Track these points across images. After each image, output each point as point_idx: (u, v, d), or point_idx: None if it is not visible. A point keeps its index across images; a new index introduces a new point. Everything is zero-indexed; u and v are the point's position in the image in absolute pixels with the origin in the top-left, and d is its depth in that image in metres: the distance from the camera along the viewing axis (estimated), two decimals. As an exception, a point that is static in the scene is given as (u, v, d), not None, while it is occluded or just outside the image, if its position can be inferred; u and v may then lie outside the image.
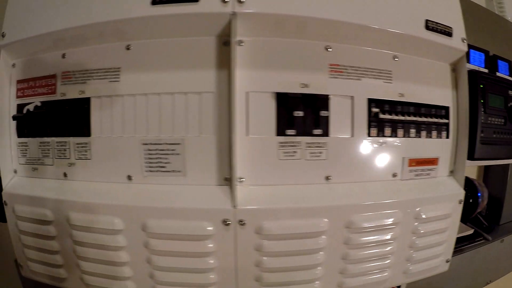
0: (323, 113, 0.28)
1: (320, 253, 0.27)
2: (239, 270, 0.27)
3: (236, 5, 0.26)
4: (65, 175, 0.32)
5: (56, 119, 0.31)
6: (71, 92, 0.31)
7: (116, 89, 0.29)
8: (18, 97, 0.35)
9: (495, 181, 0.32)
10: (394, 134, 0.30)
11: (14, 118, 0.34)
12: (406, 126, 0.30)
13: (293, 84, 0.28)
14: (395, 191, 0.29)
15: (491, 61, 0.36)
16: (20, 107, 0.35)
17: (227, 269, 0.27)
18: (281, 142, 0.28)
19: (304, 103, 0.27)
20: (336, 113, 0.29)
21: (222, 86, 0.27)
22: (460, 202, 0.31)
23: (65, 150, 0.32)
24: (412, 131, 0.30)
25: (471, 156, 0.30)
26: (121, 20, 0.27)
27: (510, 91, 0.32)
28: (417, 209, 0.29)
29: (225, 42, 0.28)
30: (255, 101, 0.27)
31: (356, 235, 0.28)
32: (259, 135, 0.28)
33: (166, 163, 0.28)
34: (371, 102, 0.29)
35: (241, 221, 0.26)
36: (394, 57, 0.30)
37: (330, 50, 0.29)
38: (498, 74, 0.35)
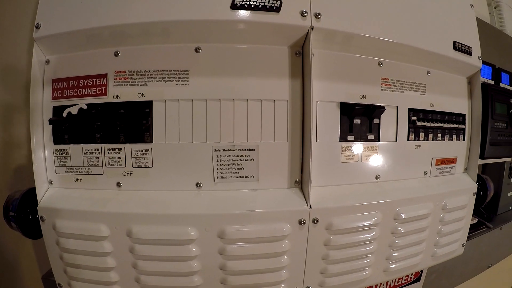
0: (375, 121, 0.35)
1: (373, 243, 0.34)
2: (307, 265, 0.32)
3: (313, 19, 0.30)
4: (118, 185, 0.31)
5: (108, 123, 0.31)
6: (127, 94, 0.31)
7: (184, 93, 0.30)
8: (54, 98, 0.32)
9: (491, 176, 0.44)
10: (426, 138, 0.38)
11: (51, 122, 0.31)
12: (434, 131, 0.38)
13: (354, 95, 0.33)
14: (427, 186, 0.37)
15: (496, 74, 0.47)
16: (57, 109, 0.33)
17: (297, 265, 0.31)
18: (344, 147, 0.33)
19: (363, 112, 0.33)
20: (385, 121, 0.35)
21: (295, 95, 0.31)
22: (473, 194, 0.40)
23: (119, 158, 0.31)
24: (439, 135, 0.39)
25: (481, 156, 0.40)
26: (194, 21, 0.28)
27: (511, 99, 0.44)
28: (443, 201, 0.38)
29: (296, 52, 0.32)
30: (323, 109, 0.32)
31: (401, 226, 0.35)
32: (326, 140, 0.33)
33: (239, 169, 0.31)
34: (410, 111, 0.37)
35: (315, 220, 0.30)
36: (428, 72, 0.38)
37: (382, 65, 0.35)
38: (501, 85, 0.47)
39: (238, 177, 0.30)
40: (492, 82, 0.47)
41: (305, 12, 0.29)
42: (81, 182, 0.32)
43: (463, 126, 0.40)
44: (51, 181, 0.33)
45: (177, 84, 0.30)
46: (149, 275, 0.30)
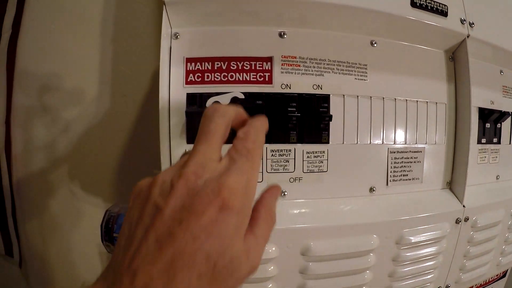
0: (498, 125, 0.43)
1: (496, 238, 0.43)
2: (452, 264, 0.38)
3: (469, 28, 0.35)
4: (282, 194, 0.31)
5: (275, 118, 0.29)
6: (300, 84, 0.30)
7: (363, 88, 0.32)
8: (189, 83, 0.29)
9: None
10: None
11: (188, 114, 0.28)
12: None
13: (486, 101, 0.41)
14: None
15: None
16: (192, 98, 0.29)
17: (445, 264, 0.38)
18: (480, 149, 0.41)
19: (496, 117, 0.41)
20: (503, 125, 0.45)
21: (451, 98, 0.38)
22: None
23: (286, 161, 0.30)
24: None
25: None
26: (376, 12, 0.31)
27: None
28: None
29: (450, 57, 0.38)
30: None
31: None
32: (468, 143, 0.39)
33: (409, 171, 0.35)
34: (519, 116, 0.48)
35: (466, 218, 0.37)
36: None
37: (502, 74, 0.44)
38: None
39: (406, 179, 0.34)
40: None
41: (464, 20, 0.35)
42: (229, 192, 0.29)
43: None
44: (182, 192, 0.29)
45: (356, 79, 0.31)
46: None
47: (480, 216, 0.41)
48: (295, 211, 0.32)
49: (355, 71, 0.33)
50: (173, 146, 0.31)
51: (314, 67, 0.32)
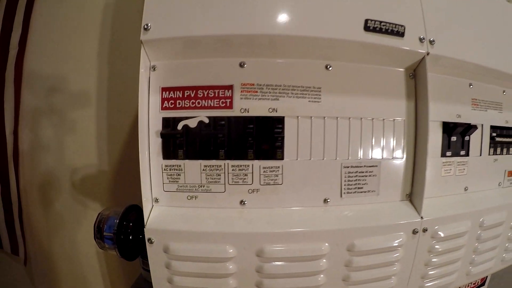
0: (466, 137, 0.46)
1: (462, 248, 0.46)
2: (412, 272, 0.42)
3: (429, 45, 0.39)
4: (242, 203, 0.37)
5: (235, 139, 0.35)
6: (257, 108, 0.36)
7: (317, 110, 0.37)
8: (164, 108, 0.36)
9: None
10: (501, 152, 0.52)
11: (163, 135, 0.34)
12: (507, 145, 0.53)
13: (452, 115, 0.45)
14: (502, 195, 0.52)
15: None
16: (167, 121, 0.36)
17: (404, 272, 0.42)
18: (444, 162, 0.44)
19: (461, 130, 0.44)
20: (472, 138, 0.47)
21: (410, 114, 0.41)
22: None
23: (245, 175, 0.36)
24: (511, 149, 0.53)
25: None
26: (331, 40, 0.36)
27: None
28: (514, 209, 0.53)
29: (410, 74, 0.42)
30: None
31: (483, 232, 0.48)
32: (431, 156, 0.43)
33: (363, 184, 0.39)
34: (491, 128, 0.50)
35: (425, 229, 0.41)
36: (503, 91, 0.52)
37: (472, 87, 0.47)
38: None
39: (361, 192, 0.39)
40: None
41: (423, 38, 0.38)
42: (196, 201, 0.36)
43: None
44: (157, 199, 0.36)
45: (310, 101, 0.37)
46: (278, 293, 0.36)
47: (443, 227, 0.45)
48: (252, 218, 0.38)
49: (309, 94, 0.38)
50: (152, 162, 0.38)
51: (270, 92, 0.38)
